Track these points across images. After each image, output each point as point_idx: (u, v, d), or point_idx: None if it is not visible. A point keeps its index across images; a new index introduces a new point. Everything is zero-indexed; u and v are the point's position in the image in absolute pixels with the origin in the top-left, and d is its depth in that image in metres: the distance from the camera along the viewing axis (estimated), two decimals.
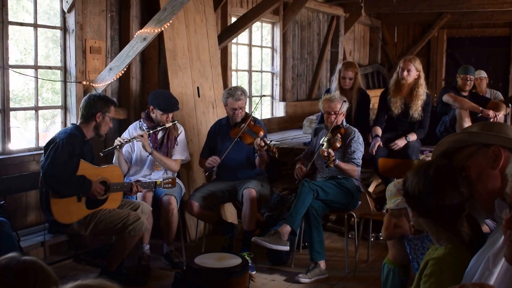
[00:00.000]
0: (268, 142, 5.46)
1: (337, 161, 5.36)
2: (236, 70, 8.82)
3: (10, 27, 5.36)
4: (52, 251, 5.55)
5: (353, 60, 12.20)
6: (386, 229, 3.87)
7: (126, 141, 5.36)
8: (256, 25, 9.10)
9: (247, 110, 6.05)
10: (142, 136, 5.40)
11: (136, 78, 6.52)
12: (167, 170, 5.69)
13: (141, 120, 5.75)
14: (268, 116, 9.61)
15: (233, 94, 5.71)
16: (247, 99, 6.54)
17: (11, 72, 5.37)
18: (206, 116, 6.81)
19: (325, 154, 5.24)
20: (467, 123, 6.62)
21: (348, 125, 5.81)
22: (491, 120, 6.64)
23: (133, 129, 5.72)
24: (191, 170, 6.46)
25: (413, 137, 6.33)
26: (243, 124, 5.68)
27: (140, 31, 5.83)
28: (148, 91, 6.37)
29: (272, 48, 9.67)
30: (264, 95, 9.65)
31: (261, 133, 5.61)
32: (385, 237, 3.91)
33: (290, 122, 9.63)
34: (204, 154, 6.00)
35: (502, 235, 2.07)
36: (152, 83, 6.55)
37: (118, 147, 5.31)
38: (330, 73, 10.77)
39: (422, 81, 6.40)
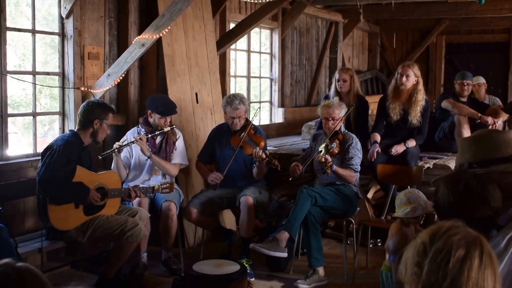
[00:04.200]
0: (269, 154, 5.46)
1: (335, 167, 5.35)
2: (235, 76, 8.82)
3: (8, 33, 5.36)
4: (50, 257, 5.52)
5: (352, 66, 12.24)
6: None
7: (124, 145, 5.34)
8: (254, 31, 9.10)
9: (247, 115, 6.03)
10: (140, 139, 5.38)
11: (135, 84, 6.51)
12: (166, 174, 5.67)
13: (139, 125, 5.74)
14: (267, 122, 9.60)
15: (231, 103, 5.67)
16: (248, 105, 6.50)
17: (9, 78, 5.36)
18: (205, 121, 6.81)
19: (322, 160, 5.24)
20: (466, 129, 6.61)
21: (346, 131, 5.80)
22: (490, 127, 6.62)
23: (131, 135, 5.70)
24: (189, 175, 6.45)
25: (412, 143, 6.32)
26: (243, 133, 5.65)
27: (139, 37, 5.83)
28: (147, 97, 6.36)
29: (271, 54, 9.67)
30: (259, 106, 9.65)
31: (262, 144, 5.60)
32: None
33: (289, 128, 9.62)
34: (202, 157, 6.00)
35: (503, 239, 2.07)
36: (150, 89, 6.55)
37: (116, 150, 5.29)
38: (329, 79, 10.76)
39: (421, 87, 6.40)
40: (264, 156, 5.40)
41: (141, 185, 5.42)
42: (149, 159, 5.53)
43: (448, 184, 2.41)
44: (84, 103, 5.04)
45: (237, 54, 8.94)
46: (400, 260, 1.62)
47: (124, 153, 5.57)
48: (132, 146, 5.51)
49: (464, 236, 1.52)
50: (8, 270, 1.55)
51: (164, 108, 5.56)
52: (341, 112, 5.65)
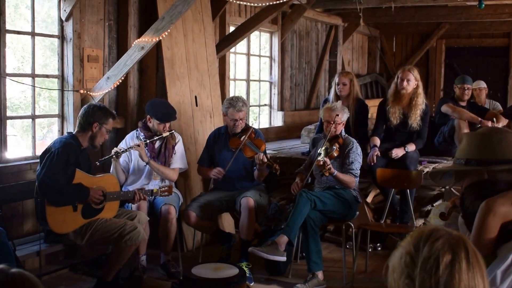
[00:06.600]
0: (270, 158, 5.45)
1: (336, 172, 5.35)
2: (234, 79, 8.82)
3: (8, 35, 5.35)
4: (48, 260, 5.51)
5: (352, 70, 12.25)
6: None
7: (122, 151, 5.33)
8: (254, 34, 9.10)
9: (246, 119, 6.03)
10: (138, 145, 5.37)
11: (134, 87, 6.50)
12: (165, 179, 5.66)
13: (138, 129, 5.73)
14: (266, 125, 9.59)
15: (234, 104, 5.67)
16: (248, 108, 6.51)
17: (8, 80, 5.35)
18: (204, 125, 6.80)
19: (321, 163, 5.23)
20: None
21: (346, 135, 5.79)
22: None
23: (130, 139, 5.69)
24: (188, 179, 6.43)
25: (411, 147, 6.31)
26: (244, 136, 5.64)
27: (138, 40, 5.82)
28: (146, 100, 6.35)
29: (271, 58, 9.67)
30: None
31: (263, 147, 5.59)
32: None
33: (288, 131, 9.62)
34: (202, 162, 5.98)
35: (510, 253, 2.05)
36: (150, 92, 6.54)
37: (114, 156, 5.28)
38: (329, 82, 10.76)
39: (421, 90, 6.39)
40: (265, 160, 5.40)
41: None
42: (147, 165, 5.52)
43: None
44: (85, 105, 5.02)
45: (236, 57, 8.94)
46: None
47: (123, 158, 5.57)
48: (131, 151, 5.50)
49: (447, 240, 1.53)
50: (1, 277, 1.53)
51: (163, 115, 5.54)
52: (343, 116, 5.64)
